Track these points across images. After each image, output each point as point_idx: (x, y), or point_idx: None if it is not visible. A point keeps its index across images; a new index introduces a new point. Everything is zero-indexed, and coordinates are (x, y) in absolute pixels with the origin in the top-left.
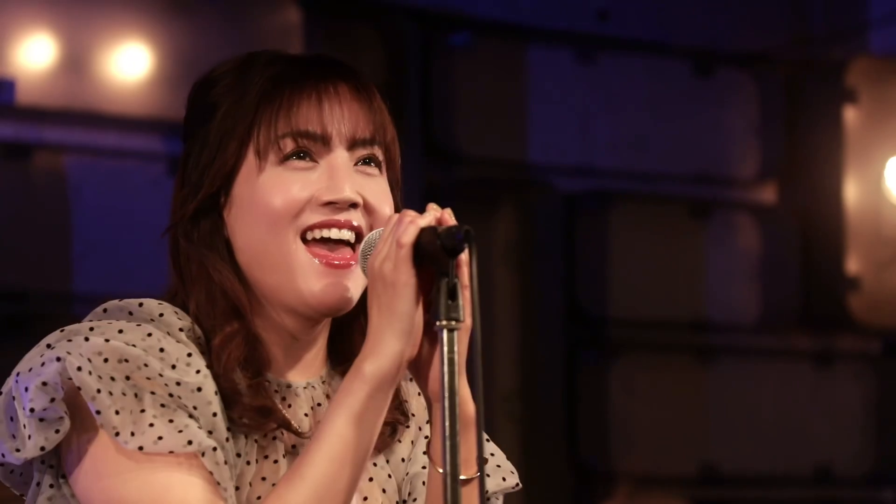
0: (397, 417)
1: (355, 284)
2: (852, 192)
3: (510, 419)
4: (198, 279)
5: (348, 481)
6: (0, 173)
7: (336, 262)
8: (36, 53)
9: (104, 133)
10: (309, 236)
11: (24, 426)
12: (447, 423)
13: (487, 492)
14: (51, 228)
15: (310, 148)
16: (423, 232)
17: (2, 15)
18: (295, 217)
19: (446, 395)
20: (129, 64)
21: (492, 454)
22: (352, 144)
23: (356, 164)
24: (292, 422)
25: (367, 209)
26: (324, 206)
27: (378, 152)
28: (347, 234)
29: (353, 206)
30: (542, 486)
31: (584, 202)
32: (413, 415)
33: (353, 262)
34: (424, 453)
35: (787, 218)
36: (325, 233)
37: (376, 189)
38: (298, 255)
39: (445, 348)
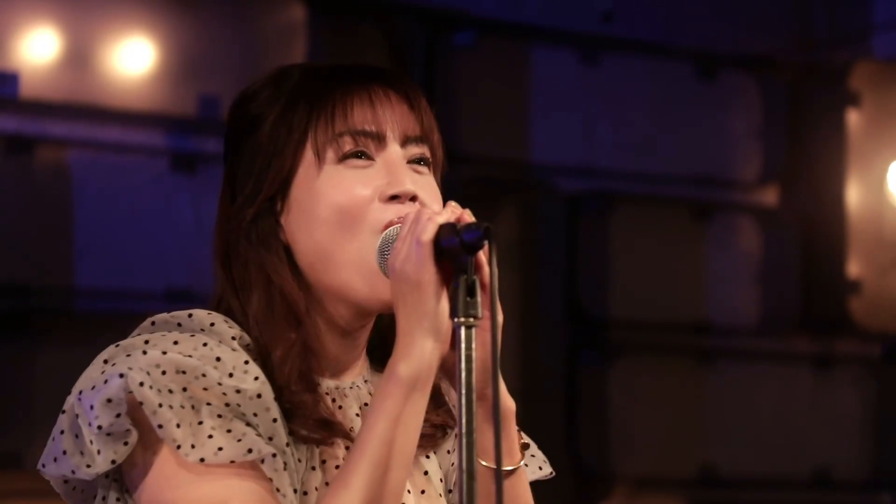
0: (447, 421)
1: None
2: (854, 195)
3: None
4: (256, 284)
5: (394, 485)
6: (2, 167)
7: None
8: (39, 47)
9: (107, 128)
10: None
11: (92, 442)
12: (464, 420)
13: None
14: (53, 223)
15: (367, 146)
16: (442, 229)
17: (6, 8)
18: (364, 214)
19: (463, 391)
20: (133, 59)
21: (527, 444)
22: (404, 142)
23: (409, 163)
24: (347, 425)
25: (421, 205)
26: (388, 201)
27: (427, 152)
28: None
29: (413, 199)
30: (542, 488)
31: (586, 203)
32: (454, 405)
33: None
34: None
35: (788, 221)
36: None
37: (428, 187)
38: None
39: (463, 345)
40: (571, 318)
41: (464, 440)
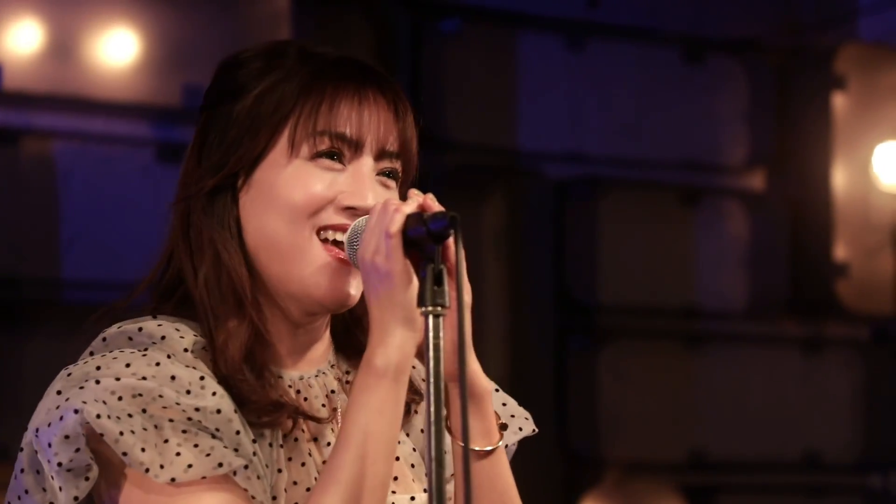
0: (411, 397)
1: (359, 284)
2: (841, 178)
3: None
4: (205, 256)
5: (381, 476)
6: None
7: (346, 260)
8: (23, 38)
9: (92, 119)
10: (322, 235)
11: (53, 478)
12: (432, 409)
13: (507, 446)
14: (39, 214)
15: (342, 150)
16: (409, 219)
17: None
18: (314, 214)
19: (431, 380)
20: (118, 49)
21: (504, 404)
22: (379, 155)
23: (378, 174)
24: (309, 412)
25: None
26: (344, 209)
27: (399, 167)
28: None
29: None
30: (531, 472)
31: (573, 189)
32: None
33: None
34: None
35: (776, 205)
36: (340, 236)
37: None
38: (313, 249)
39: (431, 334)
40: (560, 303)
41: (432, 428)
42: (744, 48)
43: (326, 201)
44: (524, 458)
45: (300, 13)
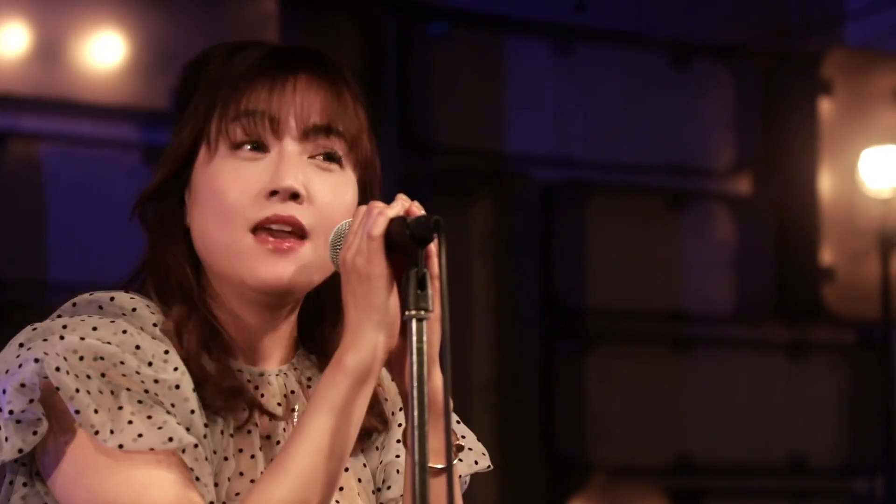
0: (374, 424)
1: (300, 269)
2: (827, 183)
3: (486, 409)
4: (157, 255)
5: (332, 474)
6: None
7: (283, 247)
8: (10, 41)
9: (79, 122)
10: (258, 234)
11: (1, 428)
12: (416, 413)
13: (462, 477)
14: (25, 217)
15: (260, 135)
16: (393, 222)
17: None
18: (241, 209)
19: (415, 384)
20: (105, 52)
21: (462, 436)
22: (304, 134)
23: (312, 158)
24: (266, 407)
25: (316, 204)
26: (268, 196)
27: (337, 145)
28: (288, 230)
29: (294, 196)
30: (518, 476)
31: (560, 193)
32: (386, 399)
33: (297, 248)
34: (399, 441)
35: (762, 209)
36: (271, 226)
37: (329, 184)
38: (245, 243)
39: (414, 338)
40: (547, 307)
41: (416, 433)
42: (731, 53)
43: (251, 195)
44: (510, 462)
45: (288, 16)
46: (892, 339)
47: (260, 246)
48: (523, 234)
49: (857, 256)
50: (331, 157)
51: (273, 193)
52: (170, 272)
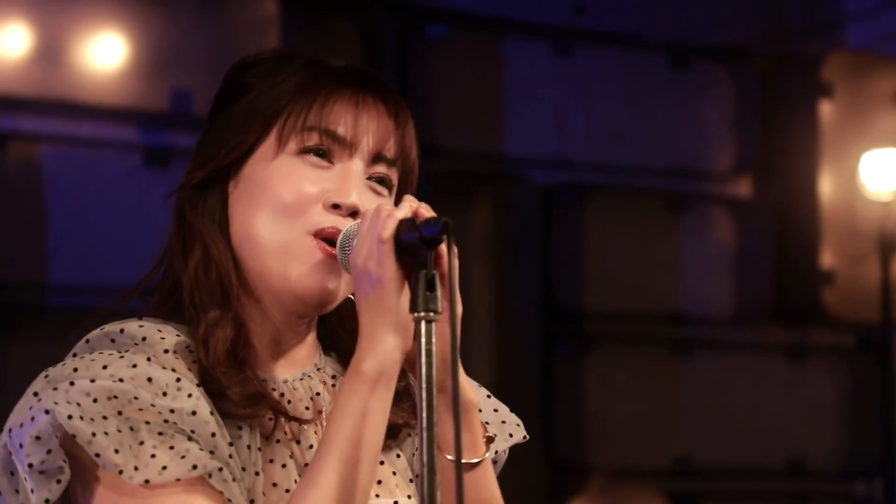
0: (406, 419)
1: (341, 284)
2: (827, 186)
3: None
4: (196, 247)
5: (363, 481)
6: None
7: (334, 255)
8: (11, 42)
9: (79, 123)
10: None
11: (26, 480)
12: (424, 415)
13: (497, 453)
14: (25, 218)
15: (331, 149)
16: (401, 224)
17: None
18: (302, 213)
19: (423, 385)
20: (105, 54)
21: (495, 410)
22: (373, 159)
23: (369, 179)
24: (292, 413)
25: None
26: (330, 208)
27: (393, 175)
28: None
29: (353, 214)
30: (517, 479)
31: (560, 195)
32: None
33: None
34: None
35: (762, 212)
36: (329, 238)
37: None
38: (304, 244)
39: (423, 340)
40: (546, 309)
41: (424, 434)
42: (730, 55)
43: (312, 199)
44: (510, 465)
45: (288, 19)
46: (891, 342)
47: (318, 250)
48: (523, 236)
49: (856, 259)
50: (383, 182)
51: (335, 206)
52: (216, 264)
